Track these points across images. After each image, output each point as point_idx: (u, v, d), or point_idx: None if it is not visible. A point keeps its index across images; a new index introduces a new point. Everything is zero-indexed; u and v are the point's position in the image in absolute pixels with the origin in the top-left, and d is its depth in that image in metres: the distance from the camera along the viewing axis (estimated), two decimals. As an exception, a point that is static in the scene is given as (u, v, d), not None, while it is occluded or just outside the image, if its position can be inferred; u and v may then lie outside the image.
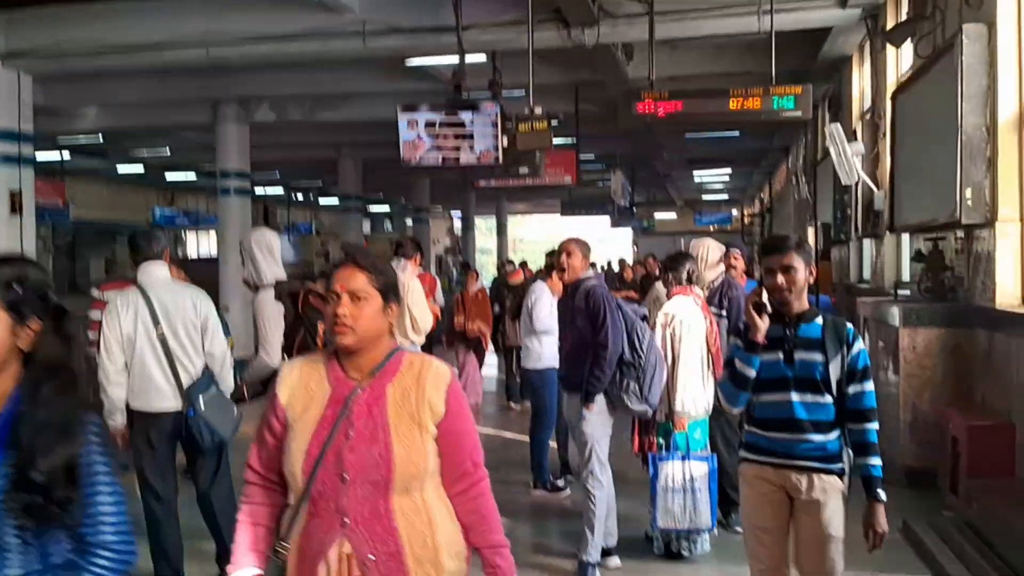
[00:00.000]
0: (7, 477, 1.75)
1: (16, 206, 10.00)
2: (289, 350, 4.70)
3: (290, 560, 2.16)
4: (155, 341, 4.33)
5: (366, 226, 26.11)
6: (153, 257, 4.50)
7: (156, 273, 4.46)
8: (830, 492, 3.12)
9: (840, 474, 3.14)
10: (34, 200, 10.79)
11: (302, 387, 2.19)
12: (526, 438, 7.06)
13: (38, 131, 10.90)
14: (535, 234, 45.51)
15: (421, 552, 2.11)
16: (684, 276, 5.04)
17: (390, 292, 2.19)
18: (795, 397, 3.12)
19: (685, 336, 4.88)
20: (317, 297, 4.58)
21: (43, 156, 13.65)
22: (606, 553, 4.92)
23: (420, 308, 6.07)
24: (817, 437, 3.11)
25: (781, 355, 3.15)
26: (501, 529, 2.24)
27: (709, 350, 4.94)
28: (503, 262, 17.29)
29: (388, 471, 2.07)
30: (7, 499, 1.74)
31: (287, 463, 2.14)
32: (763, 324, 3.10)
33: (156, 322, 4.33)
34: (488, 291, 11.16)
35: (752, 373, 3.15)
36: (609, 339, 4.65)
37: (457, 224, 29.91)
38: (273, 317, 4.93)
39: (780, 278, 3.12)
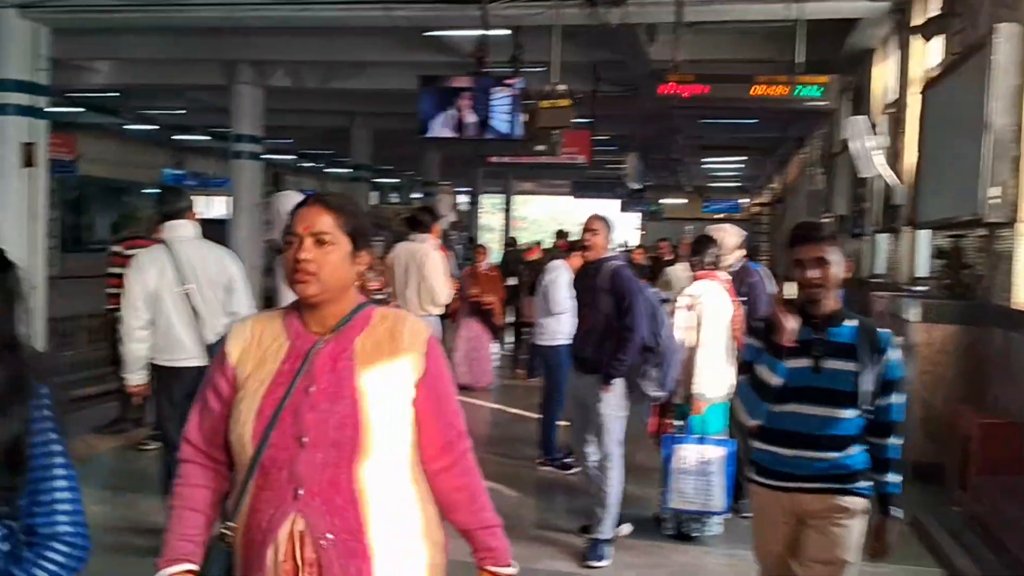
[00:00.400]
0: None
1: (30, 159, 9.90)
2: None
3: (237, 544, 1.86)
4: (180, 297, 4.33)
5: (374, 196, 26.05)
6: (180, 214, 4.50)
7: (183, 230, 4.46)
8: (847, 512, 2.79)
9: (862, 494, 2.82)
10: (48, 154, 10.72)
11: (255, 343, 1.90)
12: (532, 414, 7.06)
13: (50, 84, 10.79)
14: (537, 213, 45.58)
15: (388, 533, 1.82)
16: (709, 260, 5.02)
17: (360, 237, 1.89)
18: (817, 410, 2.77)
19: (709, 319, 4.86)
20: None
21: (53, 109, 13.47)
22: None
23: (438, 280, 6.06)
24: (835, 454, 2.78)
25: (807, 362, 2.77)
26: (492, 507, 1.98)
27: (733, 335, 4.93)
28: (510, 240, 17.36)
29: (354, 432, 1.78)
30: None
31: (234, 427, 1.84)
32: (792, 325, 2.73)
33: (182, 279, 4.33)
34: (497, 267, 11.15)
35: (778, 382, 2.76)
36: (635, 323, 4.63)
37: (460, 199, 29.81)
38: None
39: (812, 272, 2.73)
